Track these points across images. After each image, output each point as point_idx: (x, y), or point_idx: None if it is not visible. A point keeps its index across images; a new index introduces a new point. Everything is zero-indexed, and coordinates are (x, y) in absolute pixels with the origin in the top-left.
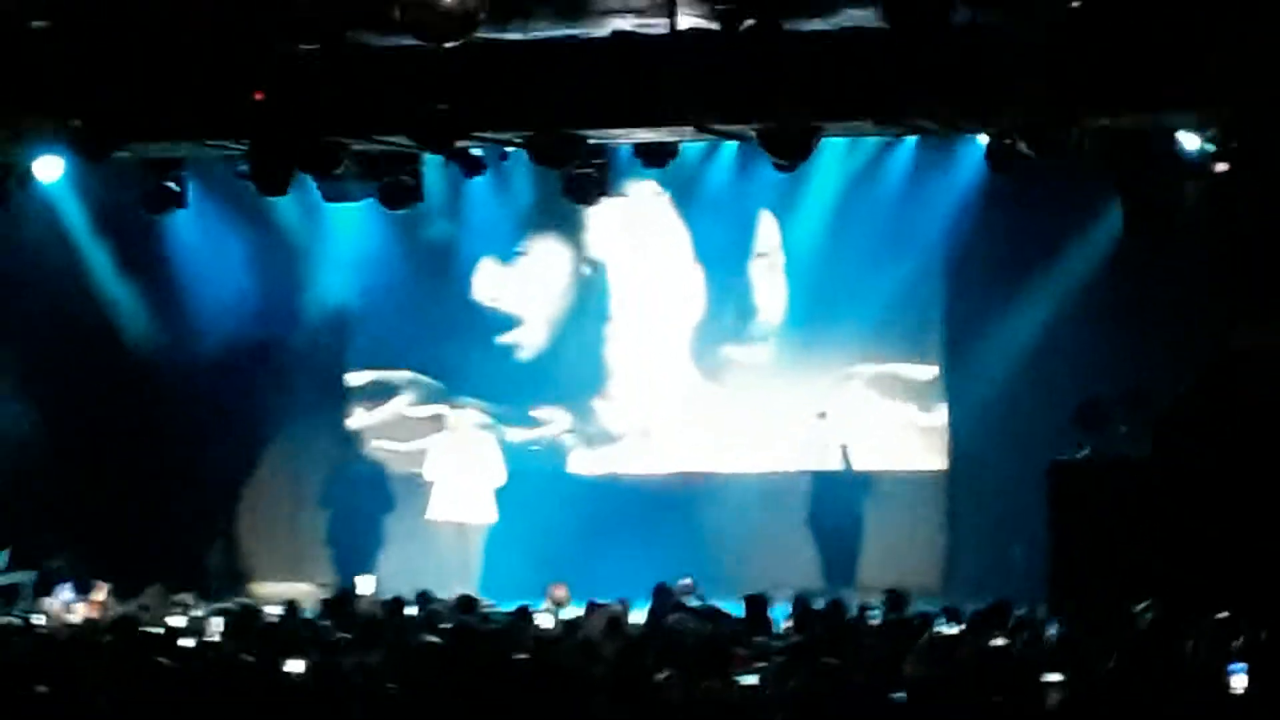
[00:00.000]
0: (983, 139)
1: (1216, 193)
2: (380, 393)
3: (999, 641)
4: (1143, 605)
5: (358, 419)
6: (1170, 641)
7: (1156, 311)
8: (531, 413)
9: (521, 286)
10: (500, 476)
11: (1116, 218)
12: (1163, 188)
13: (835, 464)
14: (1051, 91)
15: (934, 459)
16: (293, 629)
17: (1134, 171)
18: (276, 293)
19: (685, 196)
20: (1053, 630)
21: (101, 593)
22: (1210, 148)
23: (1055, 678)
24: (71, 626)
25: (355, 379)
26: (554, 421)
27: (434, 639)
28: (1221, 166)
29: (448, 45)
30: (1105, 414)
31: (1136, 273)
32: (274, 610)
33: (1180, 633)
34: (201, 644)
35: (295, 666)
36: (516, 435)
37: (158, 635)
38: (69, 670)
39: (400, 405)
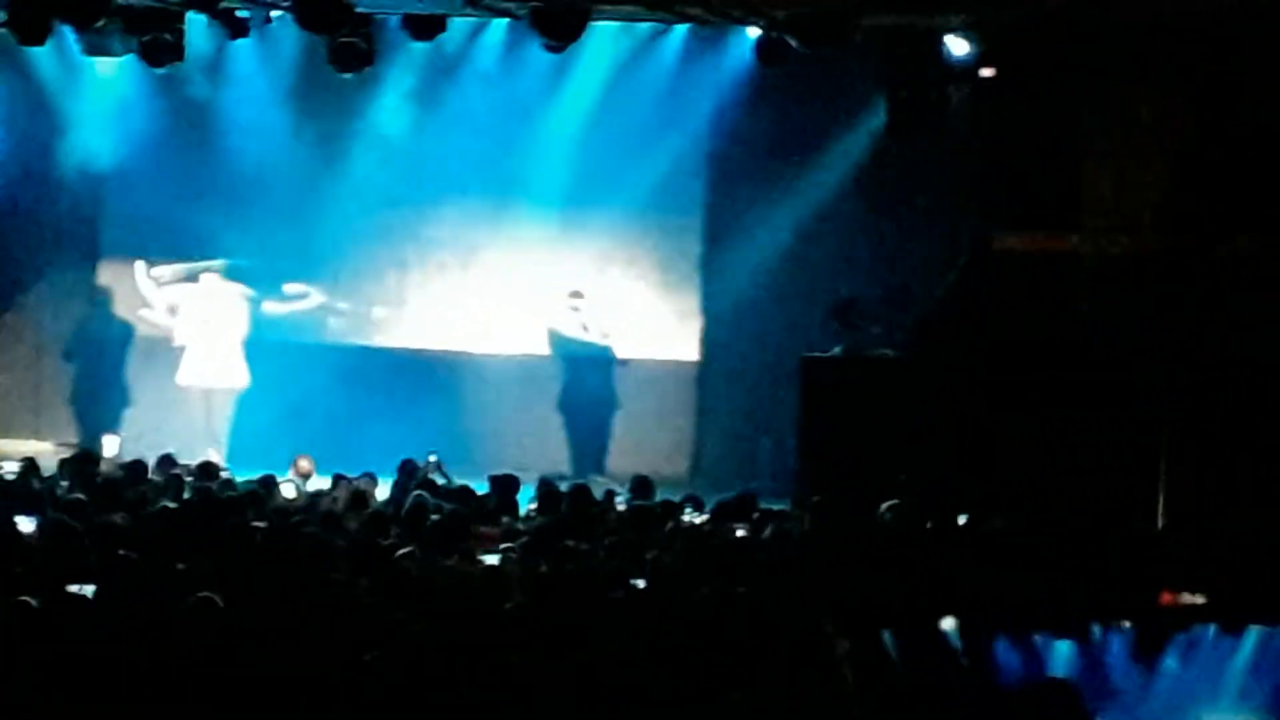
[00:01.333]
0: (753, 31)
1: (981, 97)
2: (133, 252)
3: (741, 532)
4: (886, 505)
5: (108, 278)
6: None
7: (917, 212)
8: (287, 284)
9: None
10: (248, 337)
11: (881, 117)
12: (928, 90)
13: (588, 347)
14: None
15: (687, 349)
16: (29, 486)
17: (901, 73)
18: (31, 145)
19: (452, 73)
20: (795, 524)
21: None
22: (976, 52)
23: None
24: None
25: (108, 237)
26: (310, 292)
27: (172, 504)
28: (987, 72)
29: None
30: (861, 312)
31: (899, 173)
32: (11, 467)
33: (921, 533)
34: None
35: (26, 525)
36: (272, 304)
37: None
38: None
39: (152, 267)
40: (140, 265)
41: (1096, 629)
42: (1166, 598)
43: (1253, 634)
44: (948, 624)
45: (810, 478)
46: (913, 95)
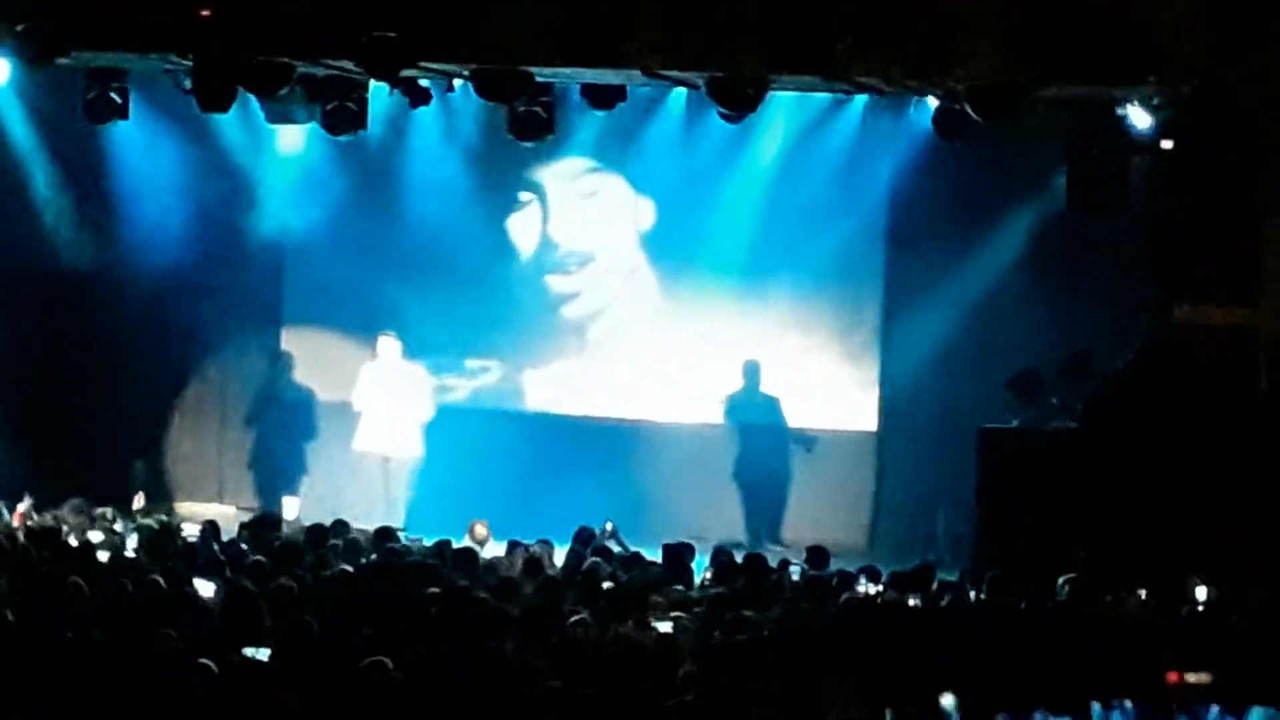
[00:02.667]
0: (931, 102)
1: (1162, 169)
2: (314, 319)
3: (916, 603)
4: (1065, 578)
5: (290, 344)
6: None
7: (1096, 284)
8: (468, 355)
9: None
10: (428, 411)
11: (1061, 189)
12: (1108, 161)
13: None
14: (1003, 57)
15: (865, 419)
16: (210, 549)
17: (1081, 144)
18: (214, 211)
19: (629, 141)
20: (973, 596)
21: (24, 504)
22: (1158, 124)
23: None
24: None
25: (290, 304)
26: (490, 359)
27: (349, 569)
28: (1168, 143)
29: None
30: (1039, 384)
31: (1078, 245)
32: (193, 529)
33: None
34: (116, 559)
35: (205, 589)
36: (453, 379)
37: (74, 548)
38: None
39: (333, 333)
40: (322, 333)
41: (1097, 708)
42: (1173, 677)
43: (1257, 714)
44: (947, 701)
45: (987, 550)
46: (1093, 167)
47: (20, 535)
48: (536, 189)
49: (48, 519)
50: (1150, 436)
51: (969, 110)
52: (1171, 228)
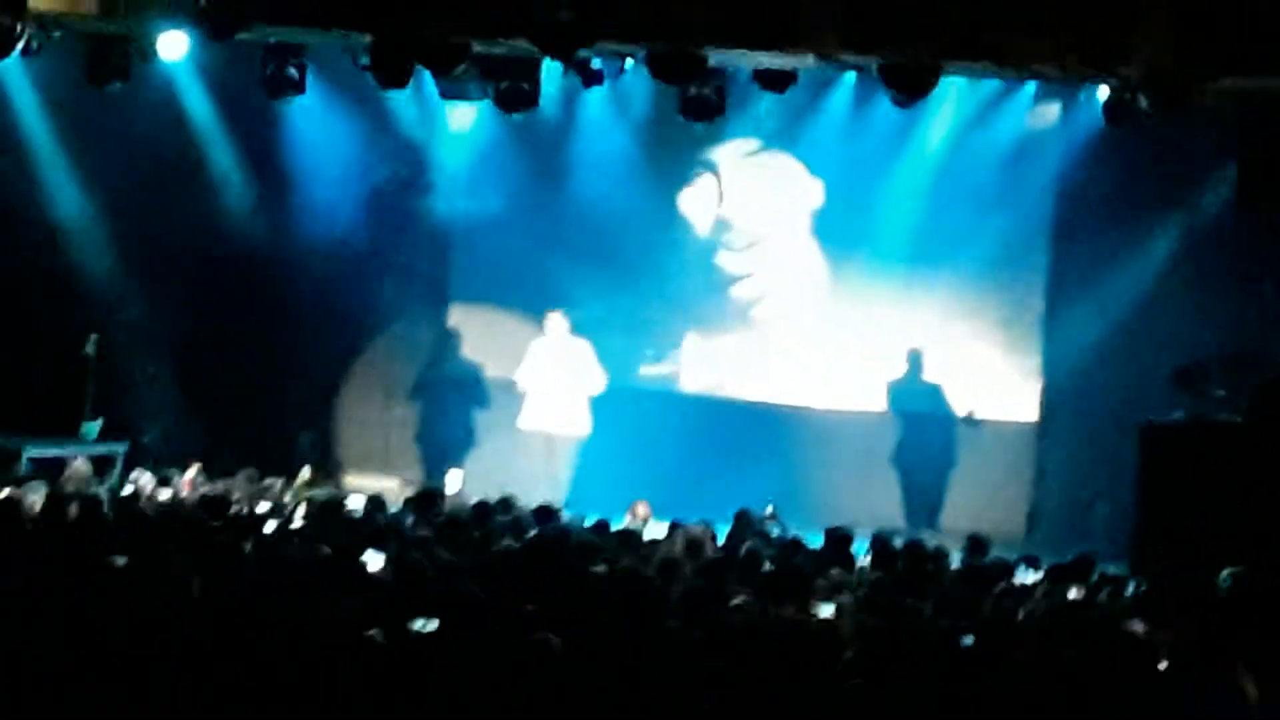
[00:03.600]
0: (1103, 91)
1: None
2: (482, 296)
3: (1076, 595)
4: (1225, 573)
5: (457, 321)
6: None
7: (1263, 277)
8: (634, 334)
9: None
10: (594, 389)
11: (1231, 180)
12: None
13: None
14: (1179, 46)
15: (1027, 409)
16: (376, 522)
17: (1255, 136)
18: (386, 188)
19: (799, 123)
20: (1132, 589)
21: (192, 471)
22: None
23: (1137, 627)
24: (160, 502)
25: (457, 282)
26: (657, 339)
27: (514, 544)
28: None
29: None
30: (1204, 377)
31: (1248, 237)
32: (358, 502)
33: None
34: (284, 530)
35: (374, 560)
36: (617, 349)
37: (243, 518)
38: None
39: (501, 311)
40: (491, 309)
41: None
42: None
43: None
44: None
45: (1149, 543)
46: (1264, 159)
47: (190, 502)
48: (710, 166)
49: (219, 487)
50: None
51: (1141, 100)
52: None
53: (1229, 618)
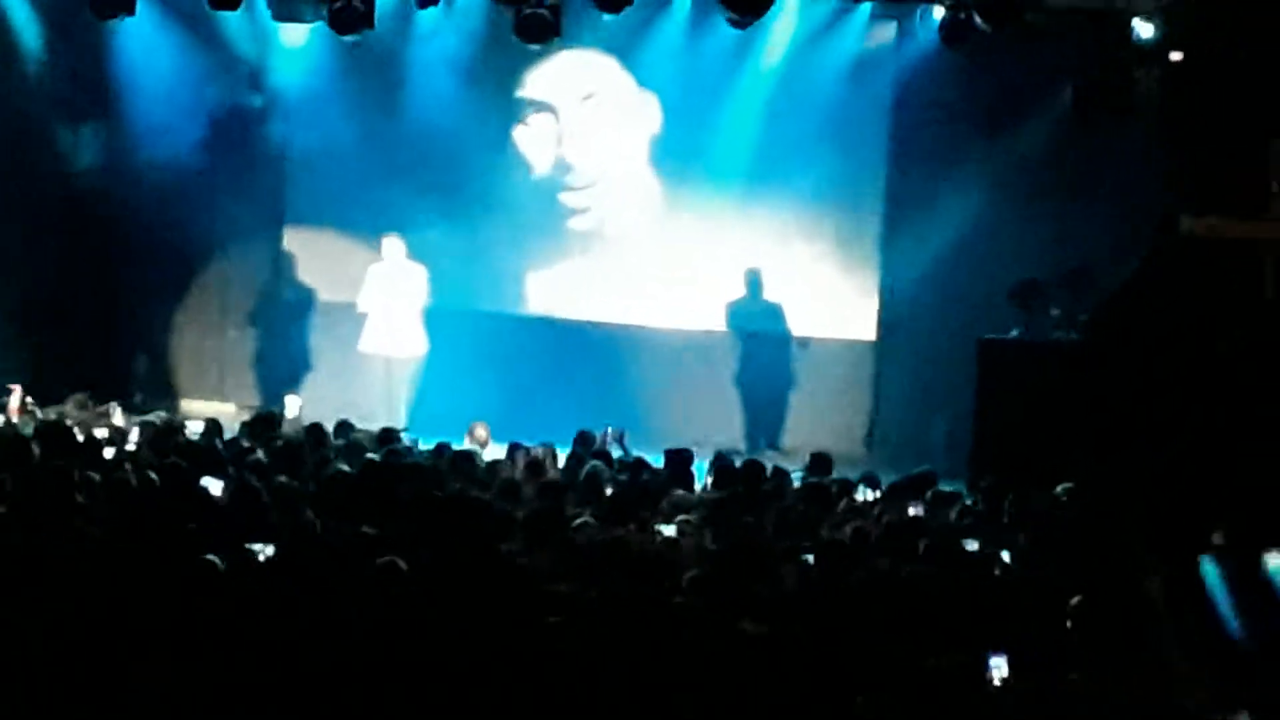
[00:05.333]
0: (939, 10)
1: (1170, 81)
2: (317, 220)
3: (916, 511)
4: (1060, 488)
5: (292, 245)
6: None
7: (1101, 195)
8: (471, 258)
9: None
10: (422, 305)
11: (1067, 99)
12: (1115, 72)
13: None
14: None
15: (865, 328)
16: (213, 447)
17: (1087, 54)
18: (219, 111)
19: (635, 44)
20: (969, 505)
21: (14, 397)
22: (1164, 34)
23: (973, 545)
24: None
25: (292, 205)
26: (493, 262)
27: (348, 469)
28: (1175, 55)
29: None
30: (1041, 295)
31: (1083, 156)
32: (196, 428)
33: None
34: (120, 454)
35: (214, 486)
36: (453, 272)
37: (81, 443)
38: None
39: (337, 234)
40: (324, 232)
41: None
42: None
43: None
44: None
45: (985, 460)
46: (1099, 78)
47: (21, 428)
48: (547, 107)
49: (51, 413)
50: (1152, 347)
51: (976, 19)
52: (1179, 140)
53: (1061, 533)
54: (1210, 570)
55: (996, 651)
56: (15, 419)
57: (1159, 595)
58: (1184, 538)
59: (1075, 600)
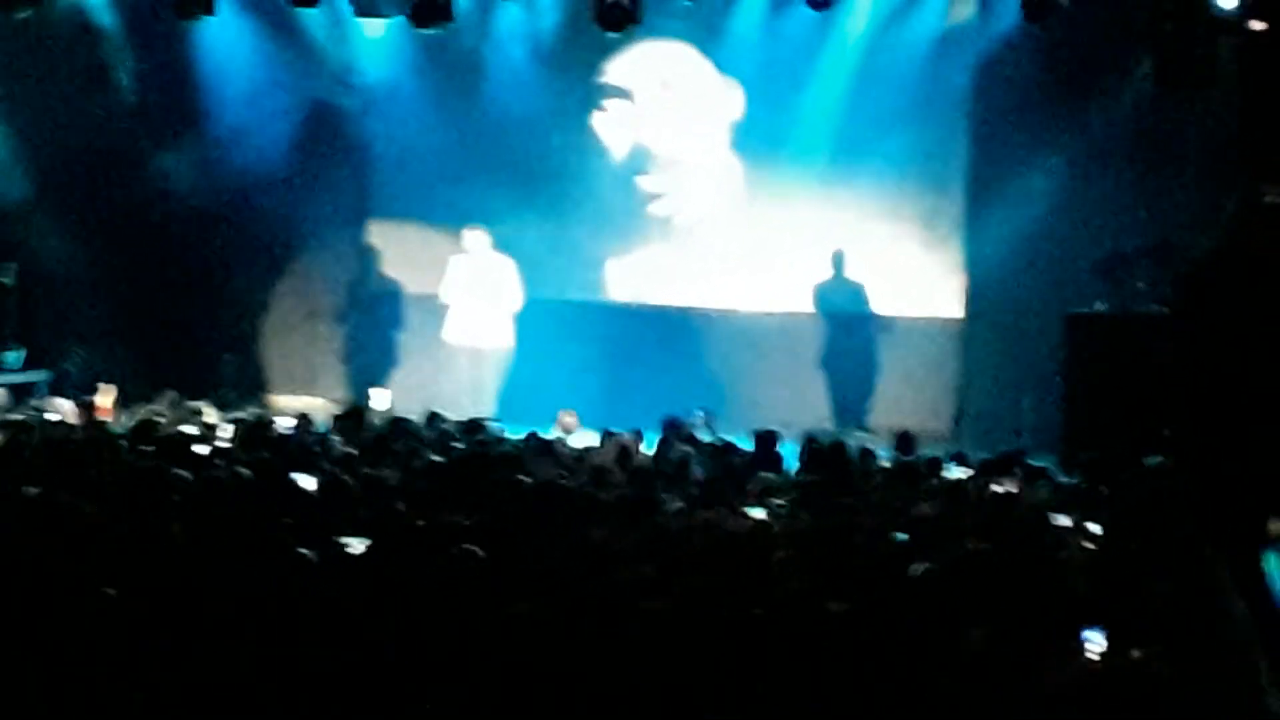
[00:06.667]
0: None
1: (1249, 50)
2: (400, 213)
3: (1007, 488)
4: (1151, 461)
5: (377, 239)
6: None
7: (1184, 168)
8: (554, 247)
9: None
10: (517, 302)
11: (1147, 71)
12: (1196, 43)
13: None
14: None
15: (951, 306)
16: (304, 441)
17: (1168, 26)
18: (300, 107)
19: (716, 29)
20: (1062, 481)
21: (108, 396)
22: (1245, 4)
23: (1064, 520)
24: (86, 427)
25: (376, 199)
26: (576, 251)
27: (440, 459)
28: (1257, 25)
29: None
30: (1126, 268)
31: (1165, 128)
32: (287, 423)
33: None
34: (214, 451)
35: (307, 482)
36: (536, 262)
37: (174, 440)
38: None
39: (420, 227)
40: (410, 225)
41: None
42: None
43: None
44: None
45: (1075, 435)
46: (1180, 50)
47: (112, 427)
48: (624, 93)
49: (142, 412)
50: (1237, 320)
51: None
52: (1261, 110)
53: (1152, 507)
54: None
55: (1091, 626)
56: (108, 419)
57: (1225, 579)
58: (1252, 522)
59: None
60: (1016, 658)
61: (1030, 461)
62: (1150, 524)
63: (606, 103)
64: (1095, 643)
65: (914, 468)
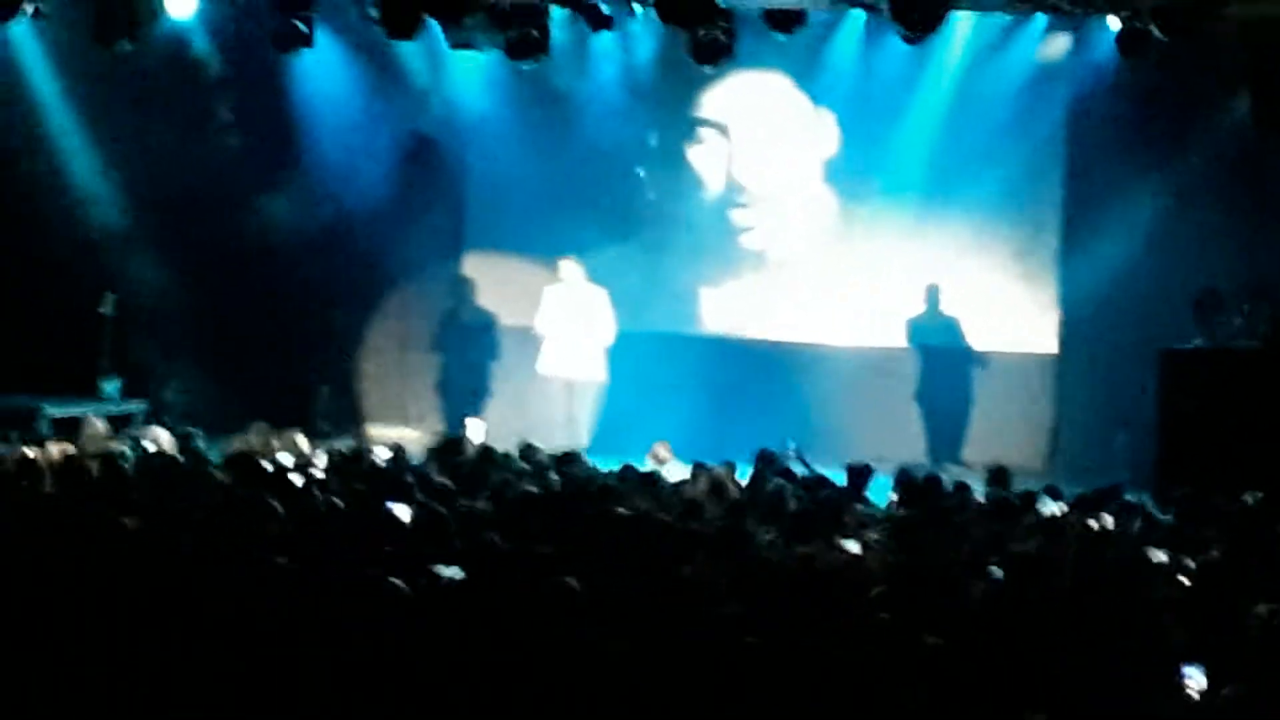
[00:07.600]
0: (1114, 21)
1: None
2: (495, 245)
3: (1103, 524)
4: (1249, 497)
5: (471, 270)
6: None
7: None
8: (648, 279)
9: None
10: (611, 333)
11: (1245, 108)
12: None
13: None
14: None
15: (1045, 340)
16: (398, 472)
17: (1266, 62)
18: (396, 139)
19: (810, 64)
20: (1158, 516)
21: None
22: None
23: (1161, 556)
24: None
25: (471, 230)
26: (669, 284)
27: (535, 489)
28: None
29: None
30: (1221, 305)
31: (1261, 165)
32: (383, 454)
33: None
34: (309, 482)
35: (401, 512)
36: (630, 294)
37: (269, 471)
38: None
39: (515, 258)
40: (504, 257)
41: None
42: None
43: None
44: None
45: (1170, 471)
46: (1277, 86)
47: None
48: (719, 127)
49: (235, 443)
50: None
51: (1154, 29)
52: None
53: (1251, 542)
54: None
55: (1191, 663)
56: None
57: None
58: None
59: (1262, 609)
60: (1115, 694)
61: (1126, 497)
62: (1247, 560)
63: (701, 134)
64: (1195, 679)
65: (1009, 503)
